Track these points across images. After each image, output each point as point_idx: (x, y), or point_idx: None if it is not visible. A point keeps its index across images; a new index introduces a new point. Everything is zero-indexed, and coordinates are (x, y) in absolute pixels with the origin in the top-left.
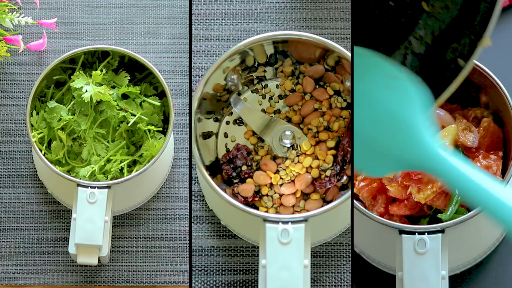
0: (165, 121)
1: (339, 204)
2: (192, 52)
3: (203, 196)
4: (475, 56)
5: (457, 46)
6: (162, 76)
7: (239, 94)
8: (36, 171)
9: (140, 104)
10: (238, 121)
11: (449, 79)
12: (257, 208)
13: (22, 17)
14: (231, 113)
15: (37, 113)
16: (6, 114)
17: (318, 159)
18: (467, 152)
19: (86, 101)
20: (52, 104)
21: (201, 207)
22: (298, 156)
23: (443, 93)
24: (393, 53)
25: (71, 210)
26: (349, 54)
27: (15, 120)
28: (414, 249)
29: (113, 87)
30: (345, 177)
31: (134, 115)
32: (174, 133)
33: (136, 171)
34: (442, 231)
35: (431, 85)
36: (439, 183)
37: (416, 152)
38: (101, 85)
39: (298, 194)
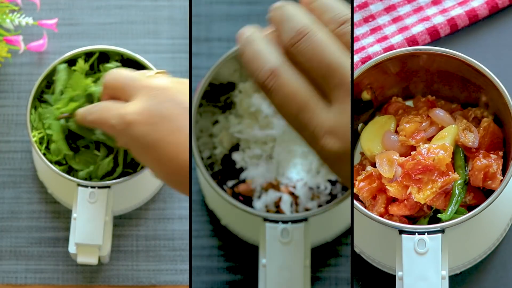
0: None
1: (339, 204)
2: (192, 53)
3: (203, 196)
4: None
5: None
6: None
7: None
8: (36, 171)
9: None
10: None
11: None
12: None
13: (23, 18)
14: None
15: None
16: (6, 114)
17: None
18: (468, 152)
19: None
20: None
21: (201, 207)
22: None
23: None
24: None
25: (71, 210)
26: None
27: (15, 120)
28: (414, 249)
29: None
30: None
31: None
32: None
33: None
34: (442, 231)
35: None
36: (439, 183)
37: None
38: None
39: None
